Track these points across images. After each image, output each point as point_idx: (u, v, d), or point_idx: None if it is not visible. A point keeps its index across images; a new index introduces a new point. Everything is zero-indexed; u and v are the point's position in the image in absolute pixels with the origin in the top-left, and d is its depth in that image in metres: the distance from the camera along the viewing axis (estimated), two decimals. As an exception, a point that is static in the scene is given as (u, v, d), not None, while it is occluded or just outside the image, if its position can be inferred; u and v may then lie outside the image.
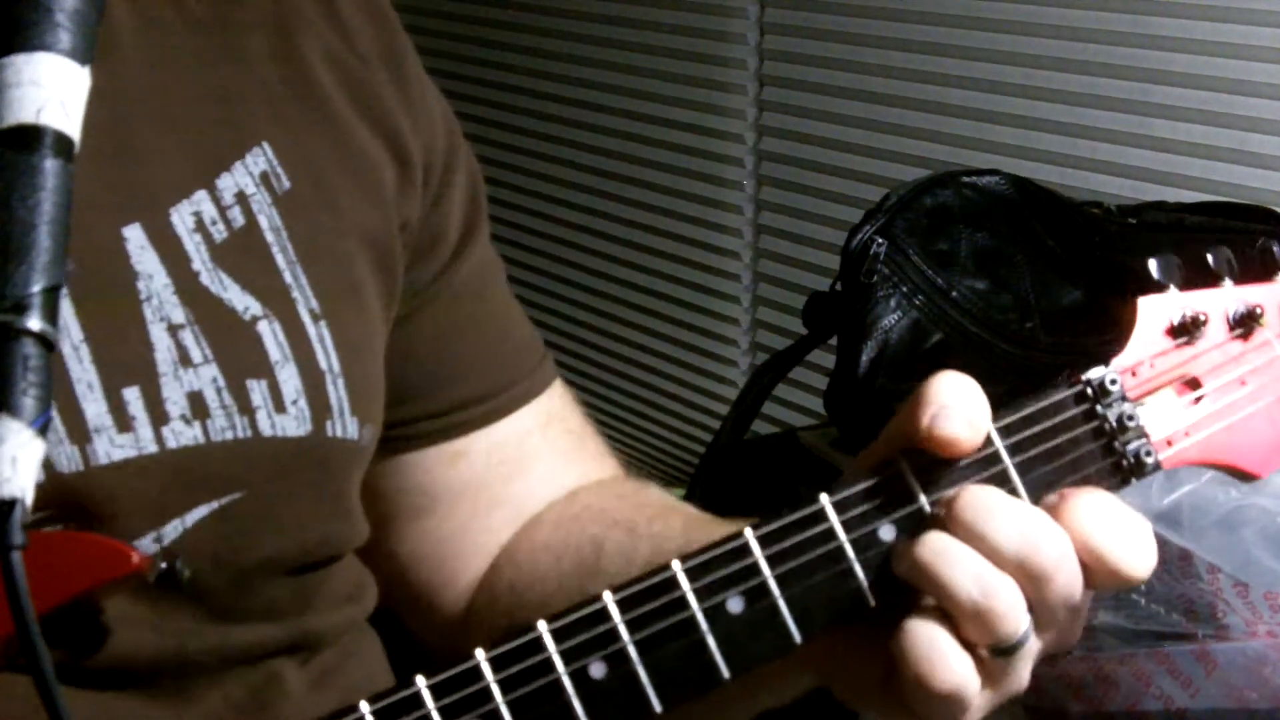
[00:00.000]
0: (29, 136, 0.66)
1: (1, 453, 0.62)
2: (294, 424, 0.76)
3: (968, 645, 0.67)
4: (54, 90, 0.67)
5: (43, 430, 0.63)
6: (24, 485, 0.61)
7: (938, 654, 0.66)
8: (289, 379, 0.76)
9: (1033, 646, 0.68)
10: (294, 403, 0.76)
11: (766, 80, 2.35)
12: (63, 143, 0.66)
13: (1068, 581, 0.67)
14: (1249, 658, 1.10)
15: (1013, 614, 0.66)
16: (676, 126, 2.51)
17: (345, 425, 0.79)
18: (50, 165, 0.66)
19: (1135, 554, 0.68)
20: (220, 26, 0.81)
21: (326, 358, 0.78)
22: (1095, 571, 0.67)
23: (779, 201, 2.37)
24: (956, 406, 0.67)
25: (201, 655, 0.76)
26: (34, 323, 0.63)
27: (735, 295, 2.48)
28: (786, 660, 0.70)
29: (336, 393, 0.78)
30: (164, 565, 0.70)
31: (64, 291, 0.70)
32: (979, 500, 0.67)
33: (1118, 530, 0.67)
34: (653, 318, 2.64)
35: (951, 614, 0.66)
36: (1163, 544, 1.13)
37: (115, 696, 0.74)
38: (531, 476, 0.95)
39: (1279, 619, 1.11)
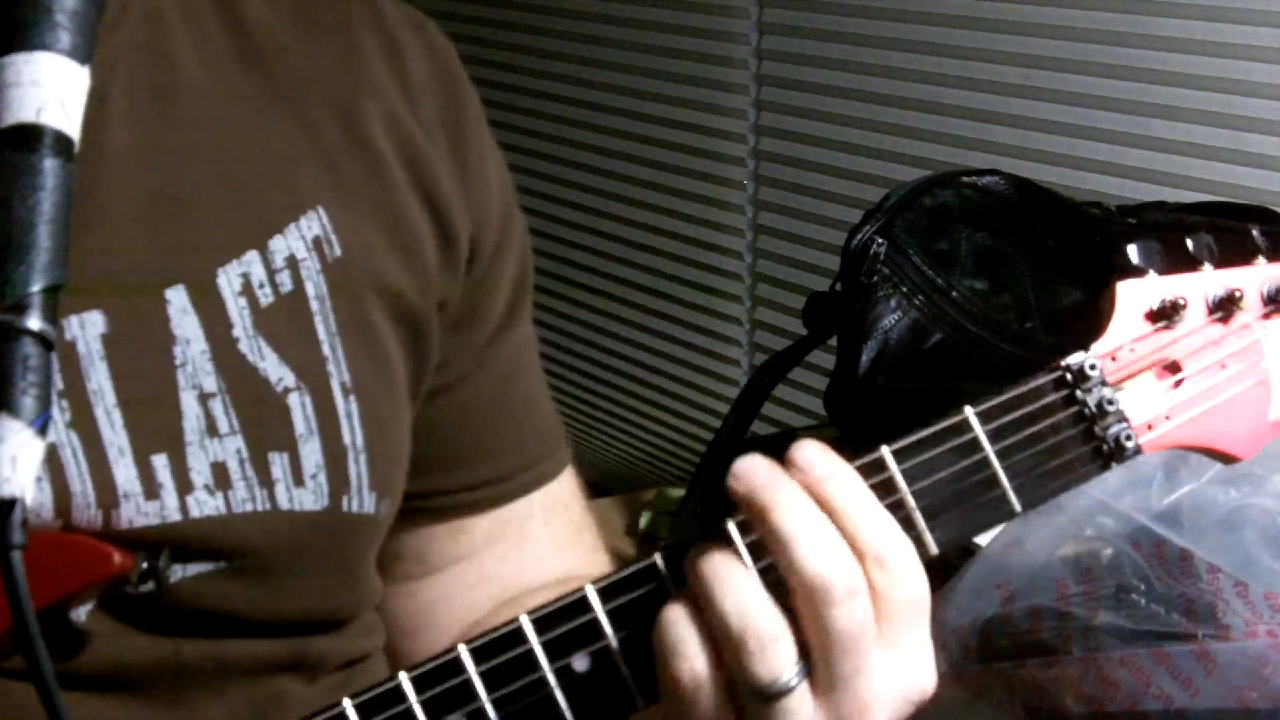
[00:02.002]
0: (29, 136, 0.66)
1: (1, 452, 0.62)
2: (311, 498, 0.76)
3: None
4: (54, 90, 0.66)
5: (42, 430, 0.63)
6: (24, 485, 0.61)
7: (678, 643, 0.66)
8: (311, 453, 0.76)
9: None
10: (313, 477, 0.76)
11: (766, 80, 2.35)
12: (62, 142, 0.66)
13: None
14: (1249, 658, 1.10)
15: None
16: (677, 126, 2.51)
17: (363, 500, 0.78)
18: (50, 165, 0.65)
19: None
20: (288, 82, 0.80)
21: (351, 433, 0.78)
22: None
23: (779, 201, 2.37)
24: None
25: (198, 663, 0.75)
26: (34, 322, 0.63)
27: (735, 295, 2.48)
28: None
29: (357, 468, 0.78)
30: (145, 565, 0.70)
31: (101, 354, 0.71)
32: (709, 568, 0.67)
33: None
34: (653, 317, 2.64)
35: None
36: (1163, 544, 1.14)
37: (111, 703, 0.74)
38: (524, 558, 0.94)
39: (1279, 619, 1.10)
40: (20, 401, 0.62)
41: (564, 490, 0.97)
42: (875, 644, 0.66)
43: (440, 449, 0.88)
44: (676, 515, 1.75)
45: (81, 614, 0.71)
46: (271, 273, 0.76)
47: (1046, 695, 1.18)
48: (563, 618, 0.68)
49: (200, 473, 0.73)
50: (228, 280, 0.75)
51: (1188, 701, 1.12)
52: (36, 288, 0.64)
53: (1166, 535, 1.13)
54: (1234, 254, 0.76)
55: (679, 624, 0.66)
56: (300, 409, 0.76)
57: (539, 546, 0.95)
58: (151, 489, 0.71)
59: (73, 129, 0.67)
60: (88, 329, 0.71)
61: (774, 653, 0.65)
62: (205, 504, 0.73)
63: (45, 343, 0.64)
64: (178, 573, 0.73)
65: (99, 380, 0.71)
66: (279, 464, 0.75)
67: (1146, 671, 1.13)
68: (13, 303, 0.63)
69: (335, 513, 0.77)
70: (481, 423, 0.91)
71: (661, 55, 2.52)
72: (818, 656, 0.65)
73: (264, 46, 0.80)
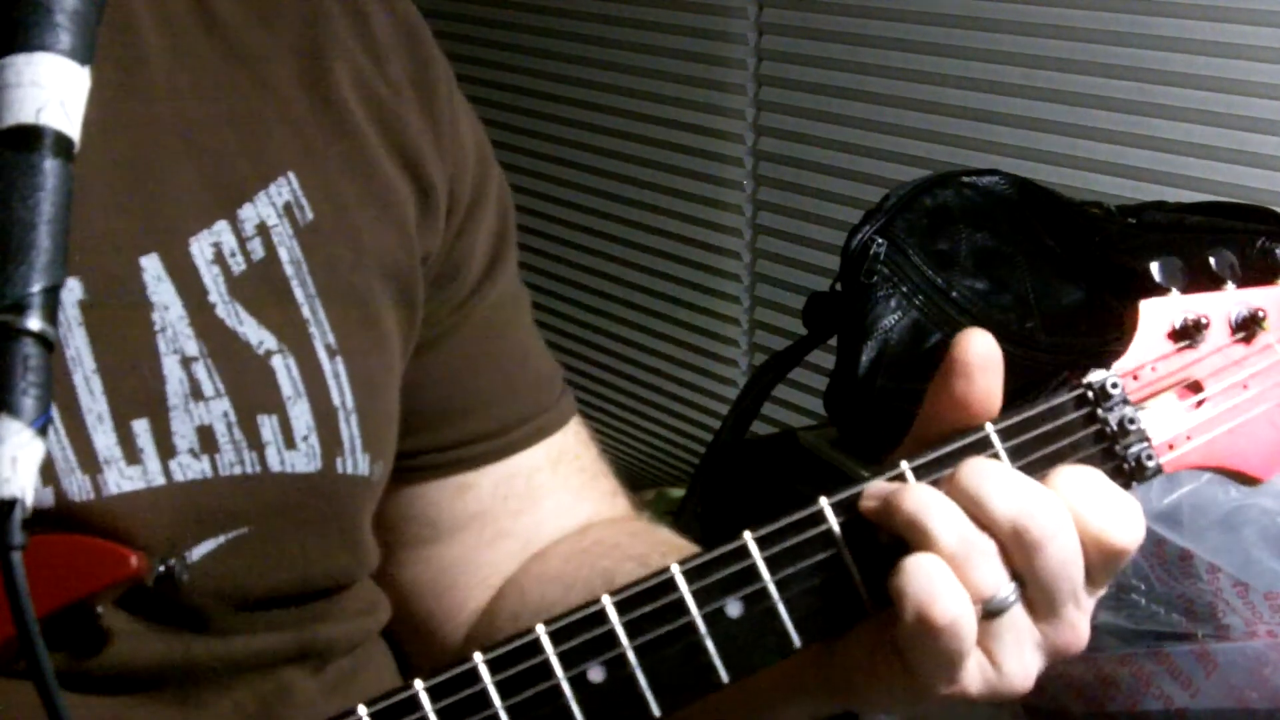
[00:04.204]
0: (29, 136, 0.65)
1: (1, 453, 0.61)
2: (304, 460, 0.76)
3: None
4: (54, 90, 0.66)
5: (43, 430, 0.63)
6: (24, 485, 0.61)
7: (937, 586, 0.65)
8: (301, 415, 0.76)
9: (1021, 622, 0.67)
10: (305, 439, 0.76)
11: (765, 80, 2.35)
12: (62, 143, 0.66)
13: (1062, 554, 0.66)
14: (1249, 658, 1.10)
15: (989, 568, 0.65)
16: (676, 126, 2.51)
17: (356, 462, 0.79)
18: (50, 165, 0.65)
19: (1119, 521, 0.67)
20: (252, 48, 0.80)
21: (340, 394, 0.78)
22: (1085, 545, 0.67)
23: (778, 202, 2.37)
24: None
25: (208, 661, 0.76)
26: (34, 323, 0.63)
27: (734, 295, 2.48)
28: (787, 671, 0.70)
29: (349, 429, 0.78)
30: (161, 568, 0.70)
31: (79, 320, 0.71)
32: (977, 467, 0.67)
33: (1101, 498, 0.67)
34: (652, 318, 2.64)
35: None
36: (1163, 544, 1.14)
37: (122, 702, 0.74)
38: (540, 511, 0.94)
39: (1279, 619, 1.11)
40: (20, 402, 0.62)
41: (571, 441, 0.96)
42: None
43: (430, 405, 0.88)
44: (676, 515, 1.75)
45: (98, 614, 0.71)
46: (242, 240, 0.77)
47: (1046, 695, 1.18)
48: (579, 629, 0.67)
49: (184, 437, 0.73)
50: (200, 250, 0.75)
51: (1188, 701, 1.12)
52: (36, 288, 0.64)
53: (1166, 535, 1.13)
54: (1257, 272, 0.75)
55: (931, 503, 0.66)
56: (285, 371, 0.76)
57: (553, 498, 0.95)
58: (132, 454, 0.71)
59: (73, 129, 0.67)
60: (65, 295, 0.70)
61: (996, 572, 0.66)
62: (190, 468, 0.73)
63: (45, 343, 0.63)
64: (184, 576, 0.73)
65: (77, 346, 0.71)
66: (268, 426, 0.75)
67: (1146, 671, 1.14)
68: (12, 302, 0.63)
69: (329, 474, 0.77)
70: (468, 377, 0.91)
71: (660, 55, 2.52)
72: (1031, 582, 0.66)
73: (226, 15, 0.81)
